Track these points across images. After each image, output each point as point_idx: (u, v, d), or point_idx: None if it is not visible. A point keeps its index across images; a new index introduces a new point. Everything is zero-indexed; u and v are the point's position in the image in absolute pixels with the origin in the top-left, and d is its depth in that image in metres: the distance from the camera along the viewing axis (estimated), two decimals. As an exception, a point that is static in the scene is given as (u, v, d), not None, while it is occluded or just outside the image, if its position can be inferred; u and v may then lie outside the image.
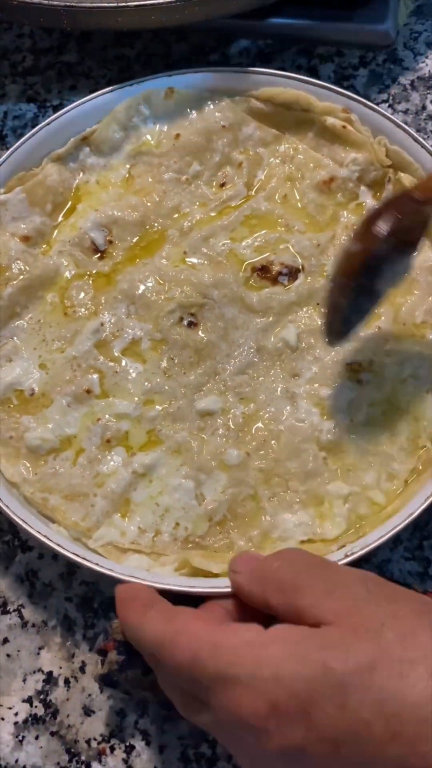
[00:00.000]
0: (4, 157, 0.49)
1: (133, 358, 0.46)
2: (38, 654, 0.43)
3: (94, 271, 0.49)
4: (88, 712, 0.42)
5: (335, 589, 0.31)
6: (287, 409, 0.44)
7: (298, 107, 0.50)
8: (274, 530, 0.42)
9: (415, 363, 0.44)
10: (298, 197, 0.50)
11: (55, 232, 0.50)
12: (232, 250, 0.48)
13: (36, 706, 0.42)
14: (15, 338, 0.47)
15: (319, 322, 0.45)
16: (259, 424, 0.44)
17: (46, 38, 0.60)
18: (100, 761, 0.41)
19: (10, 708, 0.42)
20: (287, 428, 0.44)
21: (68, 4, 0.47)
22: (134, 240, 0.49)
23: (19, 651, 0.43)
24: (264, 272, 0.48)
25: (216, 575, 0.39)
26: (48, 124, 0.50)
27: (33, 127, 0.55)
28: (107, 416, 0.45)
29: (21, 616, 0.44)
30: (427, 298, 0.46)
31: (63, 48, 0.59)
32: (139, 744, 0.41)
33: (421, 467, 0.42)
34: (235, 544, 0.42)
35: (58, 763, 0.41)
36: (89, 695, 0.42)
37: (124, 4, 0.47)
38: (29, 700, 0.42)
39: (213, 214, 0.50)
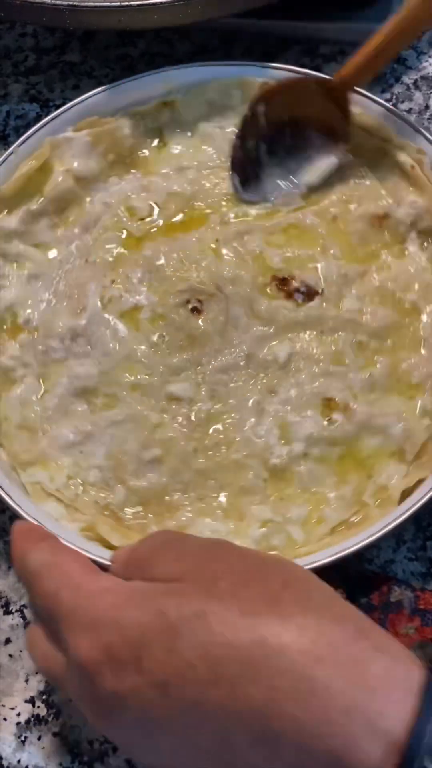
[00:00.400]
0: (4, 156, 0.49)
1: (128, 322, 0.47)
2: (41, 654, 0.43)
3: (127, 231, 0.49)
4: (90, 712, 0.42)
5: (183, 556, 0.32)
6: (251, 421, 0.44)
7: (378, 135, 0.49)
8: (189, 527, 0.42)
9: (392, 422, 0.43)
10: (346, 222, 0.48)
11: (108, 182, 0.51)
12: (261, 252, 0.48)
13: (38, 707, 0.42)
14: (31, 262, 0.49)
15: (317, 350, 0.45)
16: (219, 426, 0.44)
17: (48, 37, 0.60)
18: (102, 762, 0.41)
19: (12, 708, 0.42)
20: (243, 439, 0.44)
21: (71, 3, 0.47)
22: (177, 215, 0.50)
23: (21, 651, 0.43)
24: (283, 284, 0.47)
25: (113, 547, 0.40)
26: (49, 122, 0.50)
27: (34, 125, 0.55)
28: (81, 366, 0.46)
29: (23, 617, 0.44)
30: (431, 361, 0.45)
31: (66, 47, 0.59)
32: (141, 745, 0.41)
33: (356, 521, 0.42)
34: (149, 528, 0.42)
35: (61, 764, 0.41)
36: (92, 696, 0.42)
37: (126, 3, 0.47)
38: (32, 701, 0.42)
39: (259, 212, 0.49)
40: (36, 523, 0.40)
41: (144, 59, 0.58)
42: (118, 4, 0.47)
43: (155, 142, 0.52)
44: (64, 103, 0.56)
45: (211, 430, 0.44)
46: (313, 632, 0.27)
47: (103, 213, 0.50)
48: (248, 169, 0.48)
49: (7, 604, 0.44)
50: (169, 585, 0.30)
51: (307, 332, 0.46)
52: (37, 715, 0.42)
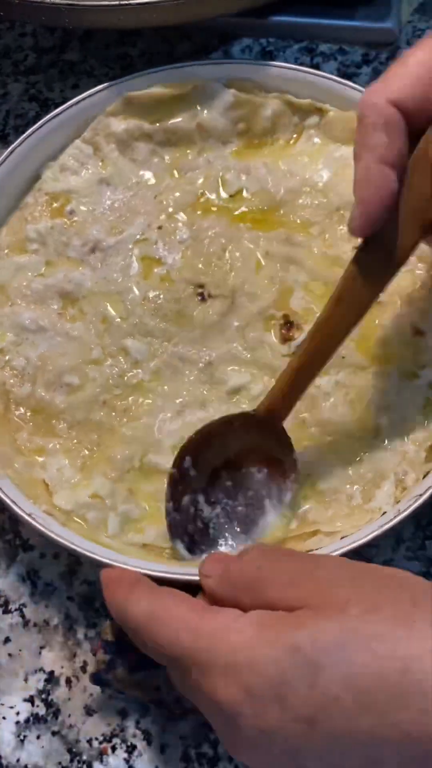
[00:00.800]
0: (4, 156, 0.49)
1: (143, 267, 0.48)
2: (40, 653, 0.43)
3: (206, 196, 0.49)
4: (89, 711, 0.42)
5: (297, 578, 0.32)
6: (165, 416, 0.45)
7: None
8: (47, 459, 0.45)
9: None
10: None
11: (224, 147, 0.51)
12: (293, 286, 0.47)
13: (37, 706, 0.42)
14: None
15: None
16: (139, 399, 0.45)
17: (48, 37, 0.60)
18: (101, 761, 0.41)
19: (11, 707, 0.42)
20: (145, 426, 0.44)
21: (69, 2, 0.47)
22: (254, 210, 0.49)
23: (20, 650, 0.43)
24: (287, 328, 0.46)
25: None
26: (48, 121, 0.50)
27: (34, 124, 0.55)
28: (81, 275, 0.48)
29: (23, 616, 0.44)
30: None
31: (65, 47, 0.59)
32: (140, 744, 0.41)
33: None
34: (20, 433, 0.45)
35: (60, 763, 0.41)
36: (91, 695, 0.42)
37: (126, 2, 0.47)
38: (31, 700, 0.42)
39: (330, 253, 0.47)
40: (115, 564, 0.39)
41: (143, 58, 0.58)
42: (117, 2, 0.47)
43: (291, 136, 0.51)
44: (63, 103, 0.56)
45: (130, 398, 0.45)
46: None
47: (199, 168, 0.50)
48: (190, 528, 0.42)
49: (6, 604, 0.44)
50: (296, 615, 0.30)
51: (273, 379, 0.44)
52: (36, 714, 0.42)
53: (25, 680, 0.43)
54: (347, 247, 0.46)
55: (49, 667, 0.43)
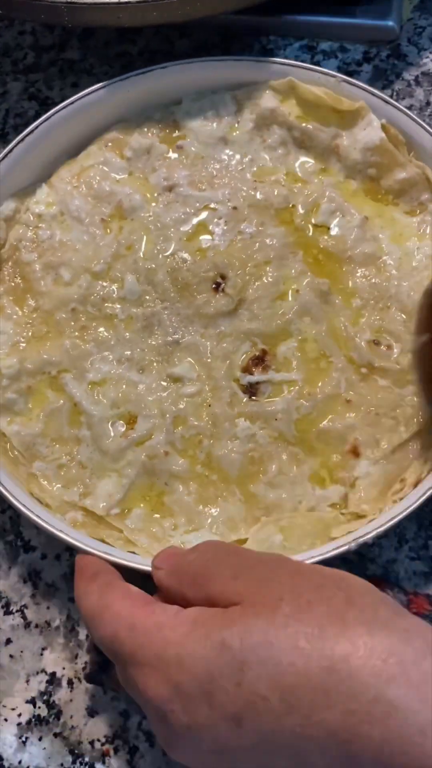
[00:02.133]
0: (3, 153, 0.49)
1: (194, 231, 0.48)
2: (41, 655, 0.43)
3: (293, 213, 0.48)
4: (91, 713, 0.42)
5: (240, 573, 0.32)
6: (104, 353, 0.46)
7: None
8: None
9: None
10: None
11: (346, 182, 0.49)
12: (291, 335, 0.45)
13: (39, 707, 0.42)
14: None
15: (200, 407, 0.44)
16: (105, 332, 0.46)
17: (47, 35, 0.60)
18: (103, 762, 0.41)
19: (13, 709, 0.42)
20: (114, 378, 0.45)
21: (69, 0, 0.47)
22: (329, 252, 0.47)
23: (22, 652, 0.43)
24: (255, 362, 0.45)
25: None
26: (47, 119, 0.49)
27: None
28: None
29: (24, 617, 0.44)
30: None
31: (65, 45, 0.59)
32: (142, 745, 0.41)
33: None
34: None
35: (62, 765, 0.41)
36: (93, 696, 0.42)
37: (125, 0, 0.47)
38: (32, 701, 0.42)
39: (350, 331, 0.45)
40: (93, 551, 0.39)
41: (143, 57, 0.58)
42: (116, 1, 0.47)
43: (410, 208, 0.48)
44: (63, 101, 0.56)
45: (94, 322, 0.46)
46: (382, 652, 0.27)
47: (309, 183, 0.49)
48: None
49: (7, 605, 0.44)
50: (228, 612, 0.30)
51: (208, 388, 0.44)
52: (38, 715, 0.42)
53: (27, 682, 0.43)
54: (368, 336, 0.45)
55: (51, 669, 0.43)
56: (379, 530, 0.38)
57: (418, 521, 0.44)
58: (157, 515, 0.42)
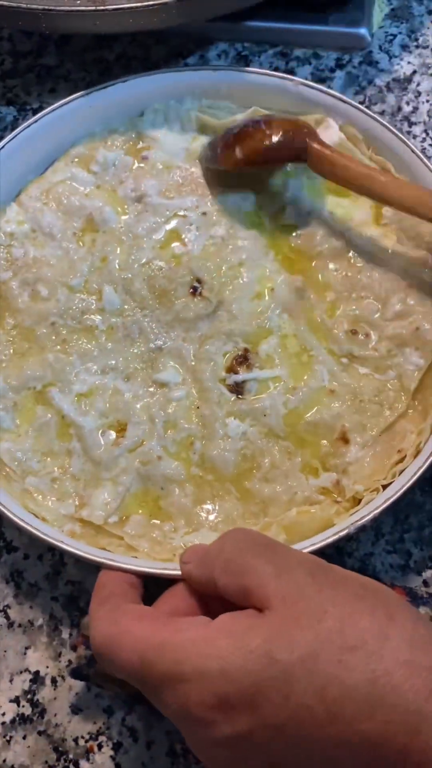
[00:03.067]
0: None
1: (166, 238, 0.49)
2: (25, 654, 0.43)
3: (260, 215, 0.50)
4: (75, 710, 0.42)
5: (281, 573, 0.32)
6: (87, 364, 0.46)
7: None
8: None
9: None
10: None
11: (312, 180, 0.50)
12: (272, 332, 0.46)
13: (23, 706, 0.42)
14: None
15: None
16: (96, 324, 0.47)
17: (25, 41, 0.60)
18: (88, 759, 0.41)
19: (-3, 708, 0.42)
20: (86, 348, 0.46)
21: (46, 7, 0.48)
22: (299, 249, 0.48)
23: (5, 651, 0.43)
24: (239, 361, 0.46)
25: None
26: (27, 127, 0.50)
27: (12, 129, 0.55)
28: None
29: (7, 617, 0.44)
30: None
31: (42, 51, 0.60)
32: (126, 741, 0.41)
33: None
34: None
35: (46, 762, 0.41)
36: (76, 694, 0.42)
37: (102, 7, 0.47)
38: (16, 700, 0.43)
39: (327, 324, 0.46)
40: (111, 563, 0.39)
41: (120, 63, 0.59)
42: (93, 8, 0.47)
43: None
44: (41, 107, 0.57)
45: (75, 335, 0.46)
46: (422, 670, 0.29)
47: (274, 185, 0.50)
48: None
49: (-10, 605, 0.44)
50: (269, 622, 0.30)
51: (195, 391, 0.45)
52: (22, 714, 0.42)
53: (11, 681, 0.43)
54: (345, 327, 0.46)
55: (35, 668, 0.43)
56: (375, 512, 0.39)
57: (395, 515, 0.45)
58: (155, 520, 0.43)
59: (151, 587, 0.38)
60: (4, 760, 0.41)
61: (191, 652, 0.30)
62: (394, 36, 0.58)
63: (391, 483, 0.41)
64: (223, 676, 0.29)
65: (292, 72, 0.57)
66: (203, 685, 0.30)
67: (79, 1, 0.49)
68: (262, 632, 0.30)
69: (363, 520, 0.39)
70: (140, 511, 0.43)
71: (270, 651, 0.29)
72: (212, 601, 0.35)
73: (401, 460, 0.42)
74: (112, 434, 0.44)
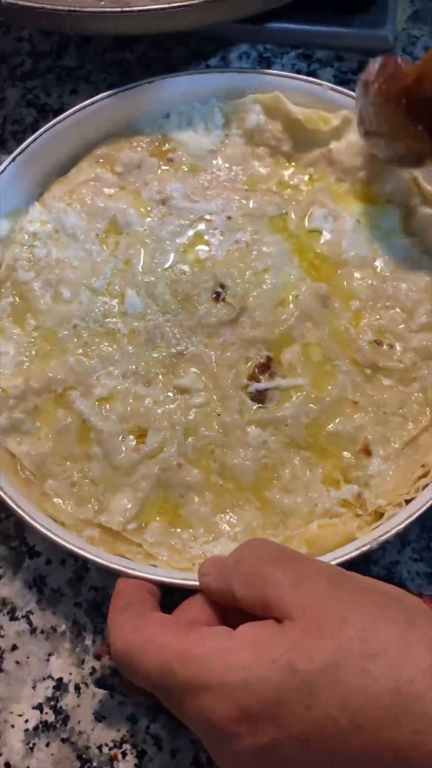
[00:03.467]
0: (5, 164, 0.49)
1: (191, 242, 0.49)
2: (48, 660, 0.43)
3: (286, 221, 0.49)
4: (99, 717, 0.42)
5: (300, 582, 0.32)
6: (108, 368, 0.46)
7: None
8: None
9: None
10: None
11: (338, 185, 0.50)
12: (295, 340, 0.45)
13: (46, 713, 0.42)
14: None
15: (207, 408, 0.44)
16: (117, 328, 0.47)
17: (45, 42, 0.60)
18: (112, 767, 0.41)
19: (20, 715, 0.42)
20: (104, 357, 0.46)
21: (72, 8, 0.47)
22: (325, 256, 0.48)
23: (28, 657, 0.43)
24: (261, 369, 0.45)
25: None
26: (52, 126, 0.49)
27: (33, 131, 0.55)
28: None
29: (30, 623, 0.44)
30: None
31: (62, 52, 0.59)
32: (150, 749, 0.41)
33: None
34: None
35: (70, 770, 0.41)
36: (100, 701, 0.42)
37: (127, 9, 0.47)
38: (39, 707, 0.42)
39: (351, 332, 0.46)
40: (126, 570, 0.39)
41: (141, 64, 0.58)
42: (118, 9, 0.47)
43: (402, 213, 0.49)
44: (61, 108, 0.57)
45: (97, 338, 0.46)
46: None
47: (301, 190, 0.50)
48: None
49: (13, 611, 0.44)
50: (289, 631, 0.30)
51: (216, 398, 0.45)
52: (45, 721, 0.42)
53: (33, 687, 0.43)
54: (369, 337, 0.45)
55: (58, 674, 0.43)
56: (398, 527, 0.39)
57: (421, 523, 0.45)
58: (174, 528, 0.42)
59: (170, 595, 0.38)
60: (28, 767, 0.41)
61: (214, 663, 0.30)
62: (417, 38, 0.58)
63: (414, 498, 0.41)
64: (246, 688, 0.29)
65: (314, 74, 0.57)
66: (226, 697, 0.30)
67: (103, 2, 0.49)
68: (284, 643, 0.30)
69: (385, 536, 0.39)
70: (159, 519, 0.43)
71: (291, 661, 0.29)
72: (231, 611, 0.34)
73: (425, 475, 0.42)
74: (132, 440, 0.44)
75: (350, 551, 0.39)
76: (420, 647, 0.29)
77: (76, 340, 0.46)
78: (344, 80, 0.56)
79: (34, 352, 0.46)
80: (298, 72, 0.56)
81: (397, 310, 0.46)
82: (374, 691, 0.28)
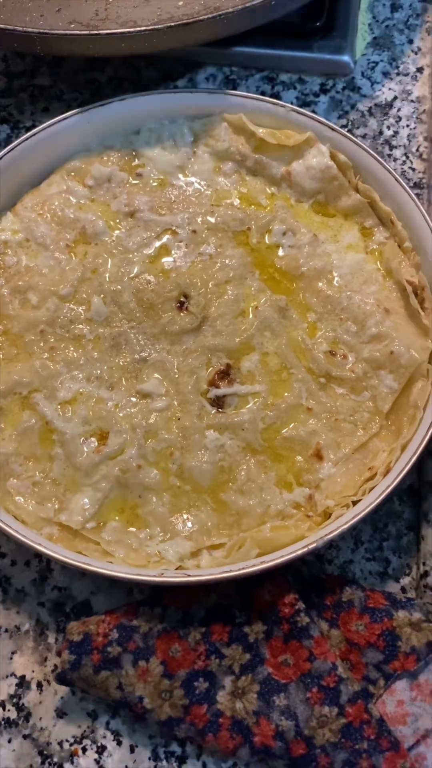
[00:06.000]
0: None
1: (156, 253, 0.51)
2: (11, 658, 0.44)
3: (248, 235, 0.51)
4: (60, 714, 0.43)
5: None
6: (73, 373, 0.48)
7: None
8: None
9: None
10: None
11: (298, 205, 0.52)
12: (254, 349, 0.47)
13: (9, 710, 0.43)
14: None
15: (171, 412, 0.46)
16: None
17: (19, 62, 0.62)
18: (72, 762, 0.42)
19: (-17, 712, 0.43)
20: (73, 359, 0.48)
21: (42, 30, 0.49)
22: (283, 270, 0.50)
23: (-8, 656, 0.44)
24: (221, 375, 0.47)
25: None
26: (26, 139, 0.51)
27: (6, 146, 0.57)
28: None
29: (-6, 622, 0.45)
30: None
31: (35, 71, 0.61)
32: (110, 744, 0.42)
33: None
34: None
35: (31, 765, 0.42)
36: (62, 698, 0.43)
37: (96, 31, 0.49)
38: (2, 704, 0.43)
39: (308, 342, 0.48)
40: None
41: (111, 84, 0.60)
42: (87, 32, 0.49)
43: (356, 231, 0.51)
44: (34, 125, 0.59)
45: (63, 343, 0.48)
46: None
47: (263, 206, 0.52)
48: None
49: (-23, 610, 0.45)
50: None
51: (177, 402, 0.46)
52: (8, 718, 0.43)
53: (-3, 685, 0.44)
54: (324, 347, 0.47)
55: (21, 672, 0.44)
56: (344, 527, 0.41)
57: (373, 524, 0.46)
58: (132, 528, 0.44)
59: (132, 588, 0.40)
60: (-11, 764, 0.42)
61: None
62: (376, 63, 0.60)
63: (360, 500, 0.43)
64: None
65: (278, 96, 0.59)
66: None
67: (73, 26, 0.51)
68: None
69: (331, 535, 0.41)
70: (117, 518, 0.44)
71: None
72: None
73: (372, 477, 0.43)
74: (94, 441, 0.46)
75: (297, 549, 0.40)
76: None
77: (42, 344, 0.48)
78: (306, 102, 0.59)
79: (0, 356, 0.48)
80: (263, 93, 0.59)
81: (350, 322, 0.48)
82: None
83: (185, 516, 0.44)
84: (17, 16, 0.51)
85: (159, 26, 0.49)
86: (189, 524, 0.44)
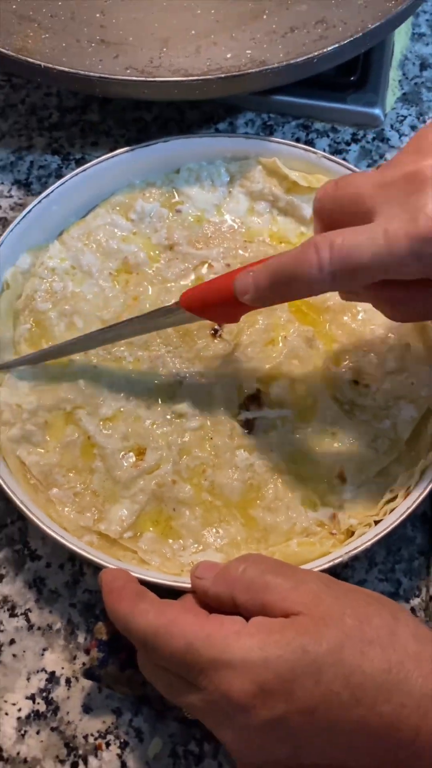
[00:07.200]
0: (32, 204, 0.54)
1: (193, 283, 0.54)
2: (42, 655, 0.47)
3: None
4: (86, 709, 0.46)
5: (298, 585, 0.37)
6: (114, 391, 0.51)
7: None
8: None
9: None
10: None
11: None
12: (281, 375, 0.50)
13: (38, 703, 0.46)
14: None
15: (204, 440, 0.49)
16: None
17: (71, 98, 0.66)
18: (96, 755, 0.44)
19: (14, 704, 0.46)
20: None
21: (102, 75, 0.54)
22: (311, 303, 0.53)
23: (24, 651, 0.47)
24: (251, 399, 0.50)
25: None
26: (76, 174, 0.55)
27: (57, 177, 0.61)
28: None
29: (28, 620, 0.48)
30: None
31: (86, 108, 0.66)
32: (132, 741, 0.45)
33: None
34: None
35: (57, 757, 0.44)
36: (88, 694, 0.46)
37: (151, 78, 0.54)
38: (32, 698, 0.46)
39: (332, 370, 0.51)
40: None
41: (157, 123, 0.65)
42: (143, 78, 0.54)
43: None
44: (83, 157, 0.63)
45: (105, 363, 0.52)
46: (427, 659, 0.34)
47: (295, 243, 0.56)
48: None
49: (13, 608, 0.48)
50: (298, 622, 0.35)
51: (210, 423, 0.50)
52: (37, 710, 0.46)
53: (28, 679, 0.46)
54: (348, 377, 0.51)
55: (51, 668, 0.47)
56: (367, 544, 0.44)
57: (387, 547, 0.49)
58: (167, 538, 0.47)
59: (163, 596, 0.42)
60: (18, 753, 0.45)
61: (236, 643, 0.35)
62: (405, 117, 0.65)
63: (382, 519, 0.46)
64: (265, 665, 0.34)
65: (311, 143, 0.63)
66: (246, 673, 0.34)
67: (129, 71, 0.55)
68: (295, 629, 0.35)
69: (355, 551, 0.44)
70: (152, 529, 0.47)
71: (303, 644, 0.34)
72: (220, 611, 0.39)
73: (392, 500, 0.47)
74: (132, 456, 0.49)
75: (323, 563, 0.43)
76: (406, 636, 0.35)
77: (85, 364, 0.52)
78: (337, 150, 0.63)
79: (48, 375, 0.52)
80: (297, 140, 0.63)
81: (373, 354, 0.51)
82: (371, 670, 0.34)
83: (216, 530, 0.47)
84: (78, 60, 0.55)
85: (209, 77, 0.54)
86: (219, 537, 0.47)
